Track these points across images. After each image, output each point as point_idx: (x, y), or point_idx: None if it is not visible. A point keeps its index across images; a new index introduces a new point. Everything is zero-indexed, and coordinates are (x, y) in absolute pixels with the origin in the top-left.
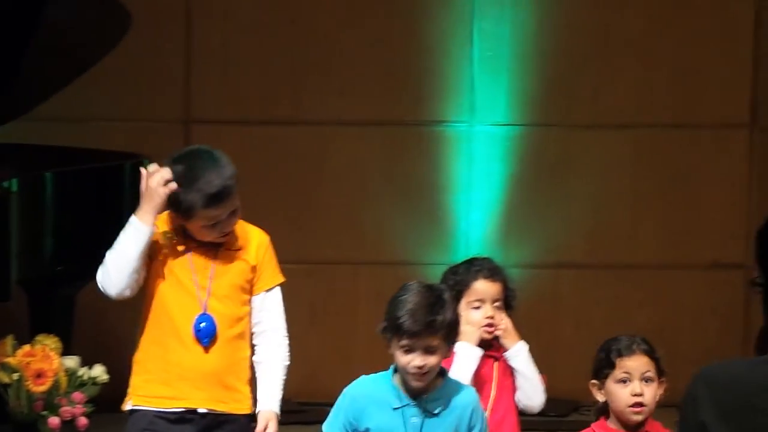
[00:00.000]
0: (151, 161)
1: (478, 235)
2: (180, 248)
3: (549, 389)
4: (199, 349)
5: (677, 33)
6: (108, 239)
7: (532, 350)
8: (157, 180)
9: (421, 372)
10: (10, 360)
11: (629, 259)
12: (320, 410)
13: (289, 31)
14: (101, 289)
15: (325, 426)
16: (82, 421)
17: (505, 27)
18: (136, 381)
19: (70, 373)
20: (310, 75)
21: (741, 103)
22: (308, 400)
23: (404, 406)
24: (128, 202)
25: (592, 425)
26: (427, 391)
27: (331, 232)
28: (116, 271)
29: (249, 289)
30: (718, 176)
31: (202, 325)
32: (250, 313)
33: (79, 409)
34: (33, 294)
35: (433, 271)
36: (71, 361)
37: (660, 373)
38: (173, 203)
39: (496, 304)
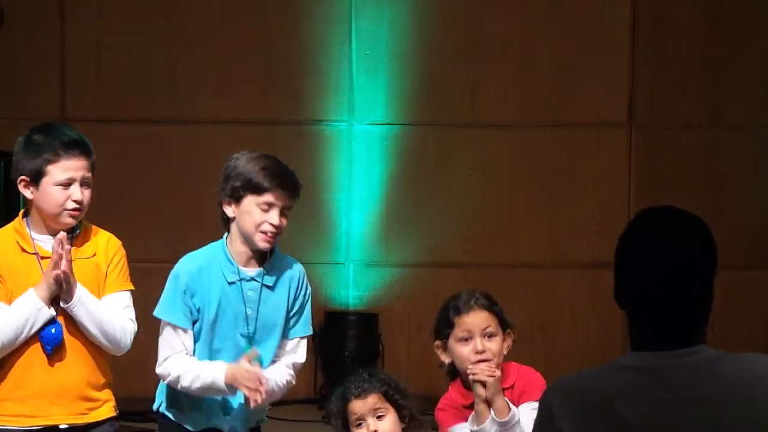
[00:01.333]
0: None
1: (358, 234)
2: (34, 263)
3: (431, 387)
4: (56, 363)
5: (555, 32)
6: None
7: (414, 349)
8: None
9: (275, 233)
10: None
11: (509, 258)
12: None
13: (165, 30)
14: None
15: (161, 313)
16: None
17: (383, 26)
18: None
19: None
20: (187, 74)
21: (619, 102)
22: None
23: (241, 280)
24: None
25: (449, 388)
26: (262, 264)
27: (210, 232)
28: (9, 344)
29: None
30: (597, 175)
31: (52, 330)
32: None
33: None
34: None
35: (315, 270)
36: None
37: (504, 326)
38: (27, 168)
39: (379, 414)
